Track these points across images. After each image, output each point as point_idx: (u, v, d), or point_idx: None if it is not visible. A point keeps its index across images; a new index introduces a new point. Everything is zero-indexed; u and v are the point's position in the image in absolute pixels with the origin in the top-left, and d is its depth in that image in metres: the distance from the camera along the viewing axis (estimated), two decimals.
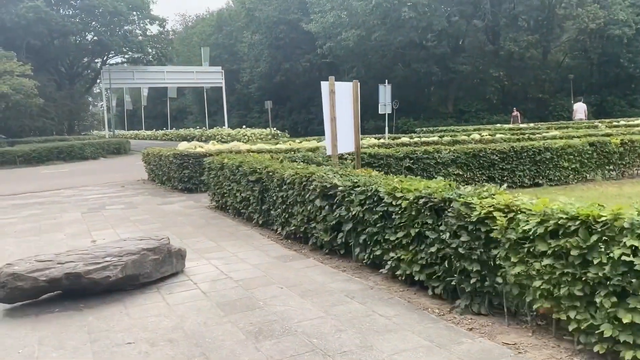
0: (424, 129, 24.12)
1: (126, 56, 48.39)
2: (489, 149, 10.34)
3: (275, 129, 38.80)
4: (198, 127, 55.36)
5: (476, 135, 13.95)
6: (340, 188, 5.35)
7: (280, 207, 6.72)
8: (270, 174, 6.96)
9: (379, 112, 18.86)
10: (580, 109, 25.62)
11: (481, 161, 10.30)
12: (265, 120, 55.29)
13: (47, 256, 4.74)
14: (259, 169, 7.31)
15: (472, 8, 34.98)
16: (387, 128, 18.65)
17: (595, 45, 34.98)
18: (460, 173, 10.15)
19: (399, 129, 39.59)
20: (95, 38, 41.52)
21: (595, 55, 35.32)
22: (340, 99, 8.17)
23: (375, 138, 18.70)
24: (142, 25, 44.88)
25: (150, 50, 43.69)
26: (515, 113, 32.88)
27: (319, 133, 46.82)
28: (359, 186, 5.13)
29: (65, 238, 7.50)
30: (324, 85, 8.13)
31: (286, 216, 6.59)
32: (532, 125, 22.31)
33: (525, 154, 10.51)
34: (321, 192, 5.69)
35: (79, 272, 4.51)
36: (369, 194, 4.92)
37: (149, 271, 4.99)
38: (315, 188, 5.77)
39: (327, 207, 5.65)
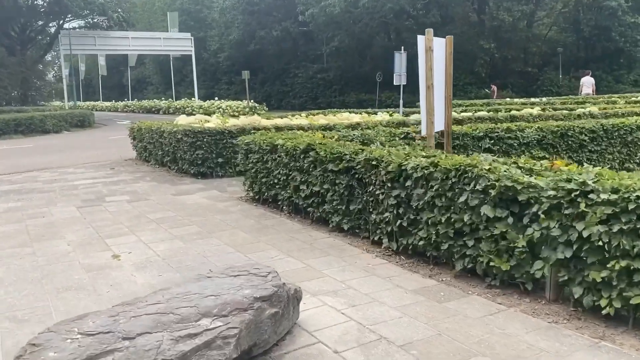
0: (418, 102, 22.23)
1: (84, 20, 44.45)
2: (577, 127, 8.59)
3: (252, 101, 36.30)
4: (162, 98, 52.22)
5: (530, 110, 12.20)
6: (550, 193, 3.43)
7: (390, 211, 4.75)
8: (372, 162, 4.96)
9: (394, 83, 16.92)
10: (587, 83, 24.26)
11: (569, 142, 8.55)
12: (234, 92, 52.57)
13: (99, 322, 2.66)
14: (347, 154, 5.30)
15: None
16: (401, 102, 16.75)
17: (589, 17, 33.75)
18: (546, 156, 8.38)
19: (383, 102, 37.77)
20: None
21: (587, 28, 34.10)
22: (435, 60, 6.20)
23: (388, 113, 16.87)
24: None
25: (112, 13, 39.96)
26: (493, 87, 31.51)
27: (296, 107, 44.59)
28: (592, 191, 3.22)
29: (73, 251, 5.34)
30: (420, 41, 6.15)
31: (404, 224, 4.64)
32: (544, 100, 20.82)
33: (617, 134, 8.82)
34: (498, 195, 3.75)
35: None
36: (632, 206, 3.02)
37: (267, 336, 2.99)
38: (485, 189, 3.83)
39: (507, 218, 3.73)
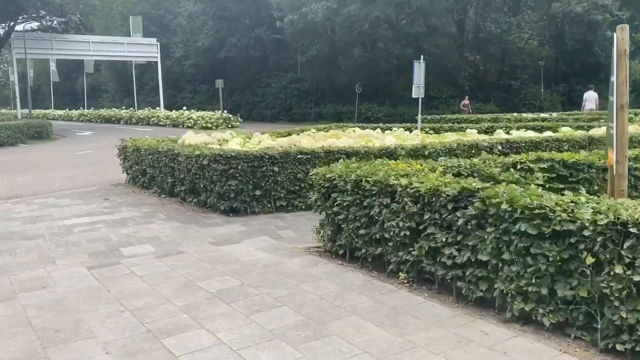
0: (428, 117, 20.62)
1: (39, 22, 40.99)
2: None
3: (226, 111, 34.00)
4: (123, 107, 49.06)
5: (599, 131, 10.58)
6: None
7: None
8: (627, 228, 3.11)
9: (413, 96, 15.20)
10: (591, 97, 23.36)
11: None
12: (199, 101, 50.03)
13: None
14: (557, 211, 3.43)
15: None
16: (419, 117, 15.03)
17: (574, 30, 33.17)
18: None
19: (362, 115, 36.18)
20: None
21: (571, 42, 33.50)
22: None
23: (404, 128, 15.17)
24: None
25: (71, 16, 36.78)
26: (466, 102, 30.36)
27: (267, 118, 42.43)
28: None
29: None
30: (615, 40, 4.34)
31: None
32: (554, 115, 19.55)
33: None
34: None
35: None
36: None
37: None
38: None
39: None
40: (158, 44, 39.98)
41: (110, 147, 20.30)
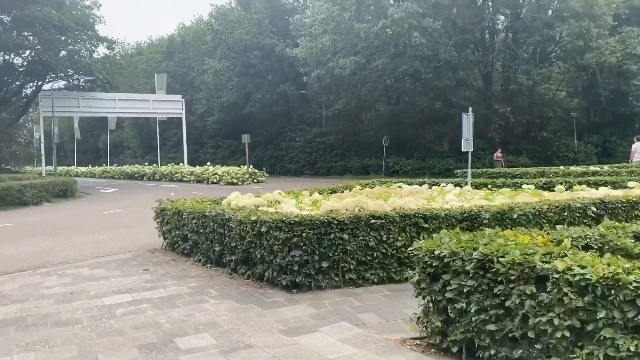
0: (458, 171, 19.58)
1: (63, 82, 41.35)
2: None
3: (251, 166, 33.38)
4: (146, 163, 48.87)
5: None
6: None
7: None
8: None
9: (462, 150, 14.35)
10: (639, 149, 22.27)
11: None
12: (221, 156, 49.77)
13: None
14: None
15: (479, 36, 31.64)
16: (469, 171, 14.10)
17: (607, 81, 32.40)
18: None
19: (389, 168, 35.33)
20: (35, 57, 34.42)
21: (605, 92, 32.69)
22: None
23: (453, 184, 14.04)
24: (88, 45, 38.25)
25: (98, 74, 37.05)
26: (499, 154, 29.52)
27: (291, 172, 41.79)
28: None
29: None
30: None
31: None
32: (605, 168, 18.45)
33: None
34: None
35: None
36: None
37: None
38: None
39: None
40: (183, 100, 40.01)
41: (136, 205, 19.64)
